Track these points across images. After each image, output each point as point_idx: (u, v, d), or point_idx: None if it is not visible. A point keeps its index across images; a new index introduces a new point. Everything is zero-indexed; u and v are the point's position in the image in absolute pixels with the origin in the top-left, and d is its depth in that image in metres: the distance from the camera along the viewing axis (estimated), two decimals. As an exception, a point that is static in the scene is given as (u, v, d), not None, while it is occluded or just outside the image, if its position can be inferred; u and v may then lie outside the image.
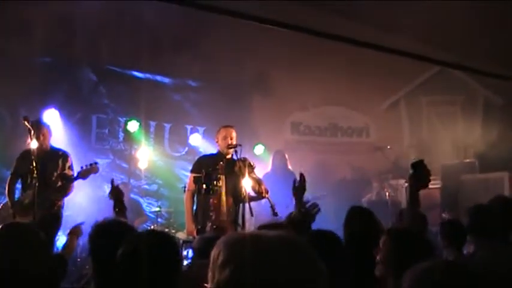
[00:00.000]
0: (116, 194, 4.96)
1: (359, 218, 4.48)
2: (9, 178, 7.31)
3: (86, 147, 9.59)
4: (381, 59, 9.68)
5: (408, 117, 12.00)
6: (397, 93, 11.90)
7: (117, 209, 4.83)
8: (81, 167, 7.11)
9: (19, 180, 7.26)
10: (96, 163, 7.24)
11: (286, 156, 9.40)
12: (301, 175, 4.66)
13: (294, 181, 4.63)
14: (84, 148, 9.37)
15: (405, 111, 12.01)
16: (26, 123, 6.64)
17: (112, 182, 5.10)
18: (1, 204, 7.46)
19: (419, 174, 3.99)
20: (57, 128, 9.31)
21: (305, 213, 4.33)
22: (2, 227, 3.79)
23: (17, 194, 7.23)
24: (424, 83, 11.61)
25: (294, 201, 4.52)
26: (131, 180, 10.04)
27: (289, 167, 9.28)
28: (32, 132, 6.70)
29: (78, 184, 7.34)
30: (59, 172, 7.24)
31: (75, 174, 7.10)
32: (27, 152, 7.12)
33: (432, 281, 2.03)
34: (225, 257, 1.57)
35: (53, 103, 9.23)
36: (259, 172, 7.51)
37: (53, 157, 7.31)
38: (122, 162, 10.28)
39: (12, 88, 8.76)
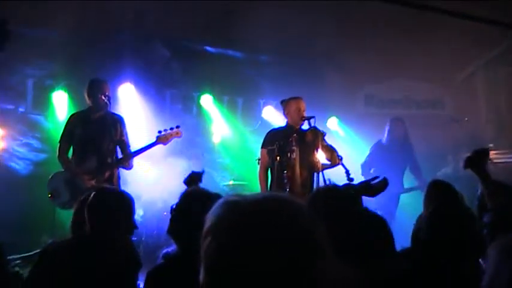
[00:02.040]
0: (192, 183, 4.91)
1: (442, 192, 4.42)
2: (58, 146, 6.89)
3: (161, 121, 9.74)
4: (455, 27, 9.40)
5: (486, 88, 11.62)
6: (474, 63, 11.51)
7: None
8: (159, 132, 6.82)
9: (71, 147, 6.90)
10: (178, 126, 6.93)
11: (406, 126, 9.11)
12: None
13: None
14: (159, 122, 9.52)
15: (482, 83, 11.63)
16: (102, 97, 6.72)
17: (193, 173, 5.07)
18: None
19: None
20: (133, 102, 9.52)
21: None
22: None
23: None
24: (503, 53, 11.19)
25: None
26: (204, 154, 10.14)
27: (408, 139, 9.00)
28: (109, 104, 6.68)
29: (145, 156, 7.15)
30: (117, 138, 6.91)
31: (155, 139, 6.83)
32: (79, 116, 6.96)
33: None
34: (208, 223, 1.52)
35: (127, 79, 9.43)
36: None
37: (111, 120, 6.93)
38: (196, 136, 10.38)
39: (88, 63, 8.98)
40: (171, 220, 3.50)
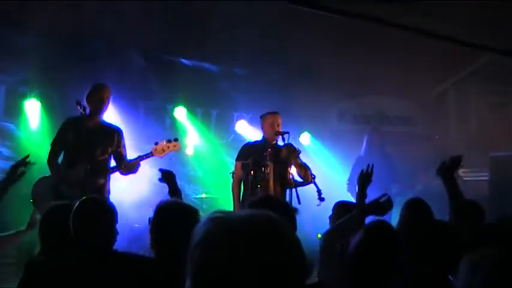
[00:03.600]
0: (168, 177, 4.95)
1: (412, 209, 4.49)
2: (50, 150, 6.74)
3: (134, 132, 9.69)
4: (429, 47, 9.54)
5: (457, 107, 11.78)
6: (446, 82, 11.67)
7: (171, 193, 4.82)
8: (156, 143, 6.60)
9: (61, 154, 6.70)
10: (176, 139, 6.71)
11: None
12: (371, 166, 4.60)
13: (362, 170, 4.61)
14: (131, 134, 9.46)
15: (454, 101, 11.80)
16: (78, 107, 6.47)
17: (162, 170, 5.04)
18: None
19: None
20: (106, 112, 9.44)
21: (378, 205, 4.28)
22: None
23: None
24: (474, 73, 11.37)
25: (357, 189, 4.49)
26: (177, 167, 10.08)
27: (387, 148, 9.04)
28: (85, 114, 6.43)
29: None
30: (113, 149, 6.70)
31: (150, 150, 6.61)
32: (74, 122, 6.70)
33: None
34: (196, 238, 1.51)
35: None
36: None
37: (107, 130, 6.75)
38: (168, 149, 10.31)
39: (62, 73, 8.89)
40: (150, 232, 3.51)
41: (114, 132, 6.74)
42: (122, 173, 6.71)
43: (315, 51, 9.93)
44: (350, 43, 9.74)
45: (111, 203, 3.94)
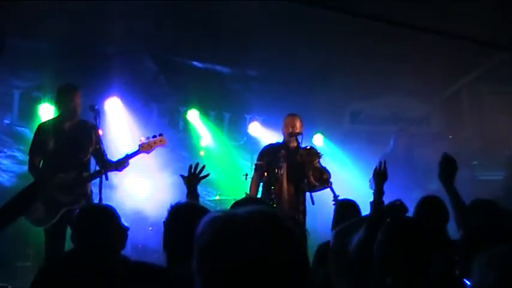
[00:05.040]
0: (191, 180, 4.93)
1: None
2: (29, 158, 6.46)
3: (148, 135, 9.73)
4: (442, 46, 9.50)
5: (470, 106, 11.72)
6: (459, 82, 11.62)
7: (190, 196, 4.81)
8: (140, 140, 6.52)
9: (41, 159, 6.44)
10: (161, 134, 6.63)
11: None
12: (383, 162, 4.57)
13: (375, 168, 4.58)
14: (144, 136, 9.50)
15: (467, 101, 11.73)
16: (92, 111, 6.41)
17: (190, 167, 5.03)
18: None
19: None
20: (120, 116, 9.50)
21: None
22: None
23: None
24: (487, 72, 11.31)
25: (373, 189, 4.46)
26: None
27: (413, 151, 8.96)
28: (98, 118, 6.31)
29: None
30: (93, 148, 6.48)
31: (137, 148, 6.51)
32: (50, 126, 6.53)
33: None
34: (202, 239, 1.53)
35: (114, 92, 9.40)
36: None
37: (84, 129, 6.52)
38: (182, 151, 10.36)
39: (75, 76, 8.94)
40: (164, 234, 3.52)
41: (91, 129, 6.51)
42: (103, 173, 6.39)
43: (328, 53, 9.91)
44: (363, 44, 9.72)
45: (107, 205, 3.94)
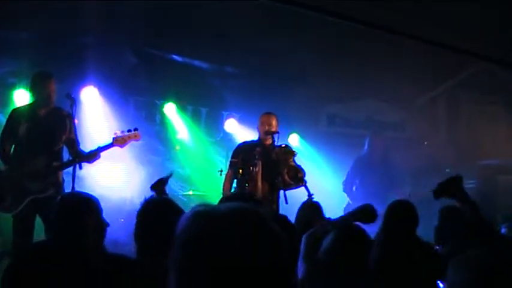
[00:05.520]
0: (158, 188, 4.92)
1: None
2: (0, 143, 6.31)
3: (124, 127, 9.67)
4: (420, 53, 9.57)
5: (446, 113, 11.82)
6: (436, 88, 11.71)
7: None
8: (115, 133, 6.42)
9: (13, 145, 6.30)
10: (136, 129, 6.53)
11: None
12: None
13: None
14: (121, 128, 9.43)
15: (443, 108, 11.84)
16: (68, 99, 6.29)
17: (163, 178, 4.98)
18: None
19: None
20: (96, 106, 9.42)
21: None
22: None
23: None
24: (464, 80, 11.41)
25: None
26: (165, 163, 10.08)
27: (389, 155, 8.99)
28: (74, 107, 6.22)
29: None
30: (66, 136, 6.39)
31: (111, 141, 6.40)
32: (24, 112, 6.45)
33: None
34: (182, 233, 1.51)
35: (92, 82, 9.32)
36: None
37: (59, 117, 6.42)
38: (158, 145, 10.32)
39: (52, 65, 8.84)
40: (136, 226, 3.51)
41: (65, 117, 6.42)
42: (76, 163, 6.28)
43: (307, 55, 9.93)
44: (342, 47, 9.75)
45: (91, 195, 3.84)
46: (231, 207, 1.55)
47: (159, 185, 4.92)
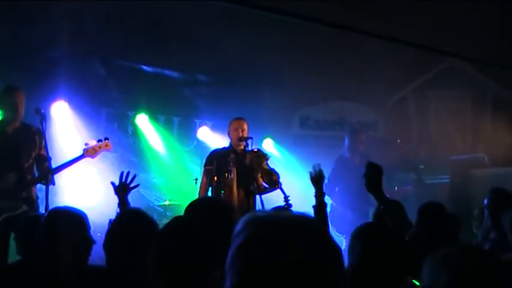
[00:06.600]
0: (121, 190, 4.86)
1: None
2: None
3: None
4: (389, 51, 9.66)
5: (417, 111, 11.94)
6: (406, 87, 11.83)
7: (121, 207, 4.74)
8: (86, 144, 6.33)
9: None
10: (106, 138, 6.44)
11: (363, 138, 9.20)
12: (317, 165, 4.67)
13: (310, 172, 4.68)
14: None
15: (413, 106, 11.96)
16: (37, 114, 6.14)
17: (121, 176, 4.91)
18: None
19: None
20: (67, 120, 9.34)
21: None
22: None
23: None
24: (433, 78, 11.55)
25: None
26: (140, 174, 10.01)
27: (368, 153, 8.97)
28: (44, 122, 6.08)
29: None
30: (36, 153, 6.32)
31: (82, 152, 6.30)
32: None
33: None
34: (243, 236, 1.54)
35: (62, 96, 9.23)
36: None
37: (28, 133, 6.33)
38: (131, 156, 10.27)
39: (21, 80, 8.74)
40: (106, 235, 3.50)
41: (35, 134, 6.35)
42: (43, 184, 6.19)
43: (278, 59, 9.97)
44: (312, 50, 9.81)
45: (78, 210, 3.85)
46: (291, 214, 1.62)
47: (120, 189, 4.86)
